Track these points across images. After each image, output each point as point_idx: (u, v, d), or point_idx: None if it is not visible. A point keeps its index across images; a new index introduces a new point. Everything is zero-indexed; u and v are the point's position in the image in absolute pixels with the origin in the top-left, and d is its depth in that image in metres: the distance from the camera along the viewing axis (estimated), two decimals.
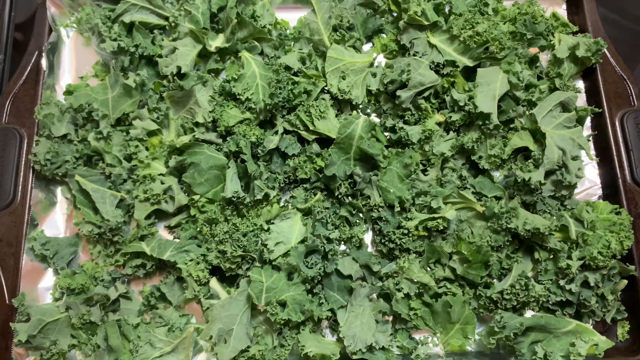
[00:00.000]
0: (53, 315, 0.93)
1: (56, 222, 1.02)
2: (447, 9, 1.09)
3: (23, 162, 1.00)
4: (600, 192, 1.05)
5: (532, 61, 1.08)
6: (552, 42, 1.10)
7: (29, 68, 1.06)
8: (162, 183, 0.98)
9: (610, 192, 1.03)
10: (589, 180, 1.05)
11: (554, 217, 0.99)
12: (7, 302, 0.94)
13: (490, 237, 0.97)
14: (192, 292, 0.94)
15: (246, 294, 0.92)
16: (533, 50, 1.09)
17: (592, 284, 0.93)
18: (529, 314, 0.97)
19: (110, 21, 1.08)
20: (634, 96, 1.06)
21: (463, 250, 0.96)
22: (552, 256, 0.98)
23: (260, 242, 0.95)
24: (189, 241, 0.97)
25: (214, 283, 0.95)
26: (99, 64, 1.11)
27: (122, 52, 1.05)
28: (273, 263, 0.95)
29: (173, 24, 1.09)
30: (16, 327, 0.91)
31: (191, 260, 0.94)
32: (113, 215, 0.96)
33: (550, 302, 0.95)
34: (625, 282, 0.96)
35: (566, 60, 1.07)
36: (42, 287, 0.98)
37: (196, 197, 0.98)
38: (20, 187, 1.00)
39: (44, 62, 1.07)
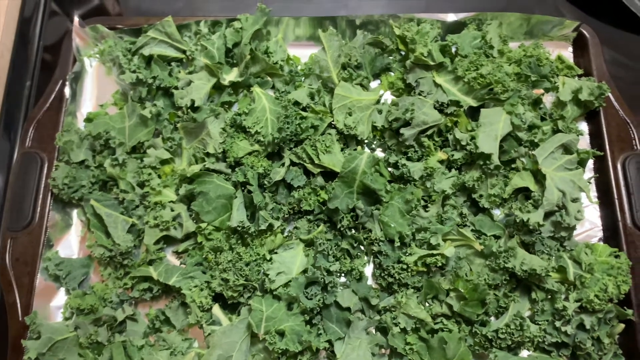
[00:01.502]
0: (62, 334, 0.97)
1: (70, 243, 1.07)
2: (453, 50, 1.12)
3: (43, 186, 1.06)
4: (600, 234, 1.06)
5: (536, 102, 1.10)
6: (556, 84, 1.12)
7: (53, 96, 1.12)
8: (172, 210, 1.02)
9: (611, 234, 1.04)
10: (590, 221, 1.06)
11: (552, 258, 1.01)
12: (20, 319, 0.98)
13: (488, 276, 0.98)
14: (195, 317, 0.97)
15: (246, 322, 0.95)
16: (537, 91, 1.12)
17: (587, 327, 0.94)
18: (524, 353, 0.98)
19: (130, 53, 1.14)
20: (637, 140, 1.07)
21: (460, 287, 0.97)
22: (549, 297, 0.99)
23: (262, 271, 0.98)
24: (195, 267, 1.01)
25: (216, 310, 0.98)
26: (119, 93, 1.16)
27: (140, 83, 1.11)
28: (274, 293, 0.98)
29: (190, 58, 1.15)
30: (27, 345, 0.95)
31: (195, 286, 0.98)
32: (124, 240, 1.00)
33: (546, 343, 0.96)
34: (623, 326, 0.97)
35: (569, 103, 1.09)
36: (54, 306, 1.02)
37: (203, 225, 1.02)
38: (38, 209, 1.05)
39: (67, 91, 1.13)
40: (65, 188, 1.04)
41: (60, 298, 1.03)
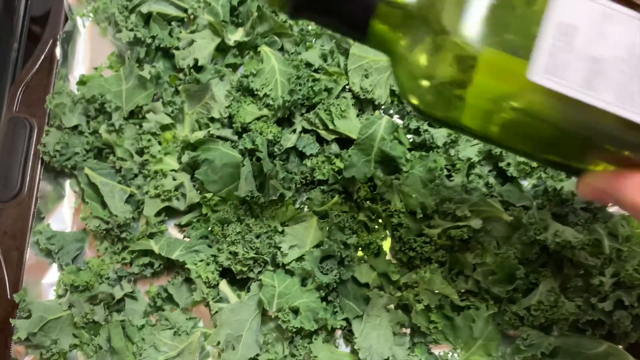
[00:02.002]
0: (55, 312, 0.89)
1: (63, 216, 0.99)
2: None
3: (32, 153, 0.98)
4: None
5: None
6: None
7: (43, 57, 1.03)
8: (174, 179, 0.94)
9: None
10: None
11: (586, 231, 0.93)
12: (9, 297, 0.90)
13: (517, 249, 0.91)
14: (201, 294, 0.89)
15: (257, 298, 0.88)
16: None
17: (626, 304, 0.87)
18: (555, 332, 0.91)
19: (127, 11, 1.04)
20: None
21: (488, 261, 0.90)
22: (583, 272, 0.92)
23: (273, 244, 0.90)
24: (199, 241, 0.93)
25: (223, 286, 0.90)
26: (114, 55, 1.07)
27: (138, 43, 1.02)
28: (286, 267, 0.90)
29: (192, 16, 1.06)
30: (16, 324, 0.87)
31: (201, 260, 0.90)
32: (122, 211, 0.92)
33: (580, 321, 0.89)
34: None
35: None
36: (46, 283, 0.94)
37: (209, 195, 0.94)
38: (27, 178, 0.97)
39: (58, 52, 1.04)
40: (57, 155, 0.95)
41: (53, 274, 0.95)
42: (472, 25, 0.46)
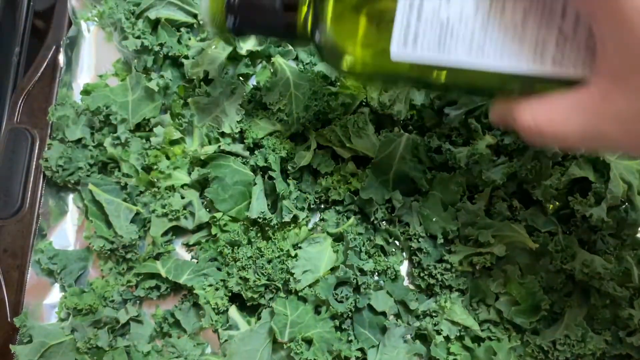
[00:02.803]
0: (57, 337, 0.85)
1: (66, 233, 0.94)
2: None
3: (34, 167, 0.93)
4: None
5: None
6: None
7: (45, 64, 0.98)
8: (183, 197, 0.90)
9: None
10: None
11: (614, 258, 0.89)
12: (9, 319, 0.86)
13: (542, 278, 0.86)
14: (209, 320, 0.85)
15: (268, 326, 0.84)
16: None
17: None
18: None
19: (134, 16, 0.99)
20: None
21: (512, 291, 0.86)
22: (610, 302, 0.87)
23: (286, 269, 0.85)
24: (209, 263, 0.89)
25: (233, 312, 0.86)
26: (120, 62, 1.02)
27: (145, 50, 0.97)
28: (299, 294, 0.86)
29: (202, 23, 1.00)
30: (16, 350, 0.83)
31: (210, 285, 0.86)
32: (127, 231, 0.88)
33: (607, 356, 0.85)
34: None
35: None
36: (47, 305, 0.90)
37: (218, 215, 0.89)
38: (29, 193, 0.92)
39: (61, 58, 0.99)
40: (59, 170, 0.90)
41: (55, 295, 0.91)
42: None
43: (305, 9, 0.58)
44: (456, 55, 0.48)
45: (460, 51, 0.48)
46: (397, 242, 0.93)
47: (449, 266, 0.87)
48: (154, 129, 0.93)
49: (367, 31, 0.54)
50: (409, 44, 0.49)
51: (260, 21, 0.61)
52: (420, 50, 0.49)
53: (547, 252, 0.87)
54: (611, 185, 0.88)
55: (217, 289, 0.86)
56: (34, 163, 0.93)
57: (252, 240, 0.88)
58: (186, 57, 0.98)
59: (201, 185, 0.92)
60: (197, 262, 0.89)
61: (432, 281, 0.88)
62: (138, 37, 0.96)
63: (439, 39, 0.48)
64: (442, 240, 0.88)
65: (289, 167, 0.91)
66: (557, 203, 0.92)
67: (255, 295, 0.85)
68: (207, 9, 0.65)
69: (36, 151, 0.93)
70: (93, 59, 1.03)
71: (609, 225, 0.89)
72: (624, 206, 0.89)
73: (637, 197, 0.88)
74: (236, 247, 0.88)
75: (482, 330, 0.86)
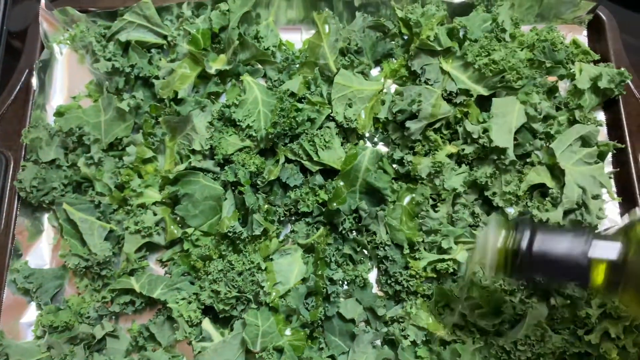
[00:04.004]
0: (34, 355, 0.87)
1: (41, 252, 0.96)
2: (461, 34, 1.02)
3: (8, 188, 0.95)
4: None
5: (551, 91, 1.01)
6: (572, 71, 1.03)
7: (19, 87, 1.01)
8: (155, 214, 0.92)
9: None
10: (611, 219, 0.98)
11: None
12: None
13: (503, 281, 0.90)
14: (183, 333, 0.88)
15: (240, 337, 0.86)
16: (551, 78, 1.03)
17: (612, 336, 0.87)
18: None
19: (105, 39, 1.02)
20: None
21: (474, 295, 0.89)
22: (569, 303, 0.91)
23: (256, 281, 0.88)
24: (181, 278, 0.91)
25: (206, 324, 0.89)
26: (93, 84, 1.05)
27: (116, 72, 1.00)
28: (270, 304, 0.88)
29: (172, 44, 1.04)
30: None
31: (183, 299, 0.88)
32: (101, 249, 0.90)
33: (567, 354, 0.88)
34: None
35: (587, 91, 1.01)
36: (24, 323, 0.92)
37: (189, 231, 0.92)
38: (4, 214, 0.94)
39: (34, 81, 1.02)
40: (33, 191, 0.93)
41: (31, 314, 0.93)
42: None
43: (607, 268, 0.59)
44: None
45: None
46: (365, 251, 0.96)
47: (414, 273, 0.90)
48: (127, 148, 0.96)
49: None
50: None
51: (554, 273, 0.62)
52: None
53: None
54: (566, 191, 0.92)
55: (190, 302, 0.88)
56: (9, 184, 0.95)
57: (224, 253, 0.91)
58: (157, 78, 1.01)
59: (173, 201, 0.94)
60: (171, 277, 0.91)
61: (398, 288, 0.91)
62: (109, 60, 0.99)
63: None
64: (407, 251, 0.91)
65: (259, 182, 0.94)
66: (517, 208, 0.97)
67: (227, 307, 0.87)
68: (494, 259, 0.64)
69: (10, 173, 0.95)
70: (66, 81, 1.06)
71: (568, 228, 0.93)
72: (579, 210, 0.92)
73: (592, 201, 0.92)
74: (208, 261, 0.90)
75: (447, 334, 0.90)
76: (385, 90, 1.02)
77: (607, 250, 0.58)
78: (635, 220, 0.61)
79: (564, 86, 1.05)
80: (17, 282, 0.91)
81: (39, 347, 0.88)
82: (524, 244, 0.60)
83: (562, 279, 0.65)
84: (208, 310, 0.91)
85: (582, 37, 1.09)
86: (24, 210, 0.96)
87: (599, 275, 0.59)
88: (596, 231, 0.84)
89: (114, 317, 0.92)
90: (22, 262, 0.93)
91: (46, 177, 0.93)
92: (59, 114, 1.00)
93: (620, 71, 0.99)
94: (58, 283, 0.94)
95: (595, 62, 1.06)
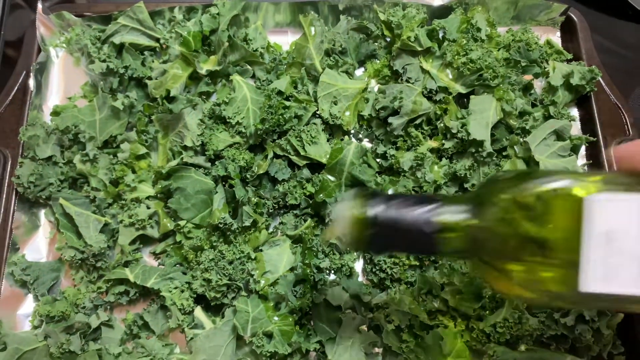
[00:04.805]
0: (31, 344, 0.90)
1: (38, 246, 0.99)
2: (440, 35, 1.08)
3: (6, 184, 0.98)
4: None
5: (526, 88, 1.07)
6: (546, 70, 1.09)
7: (16, 88, 1.04)
8: (148, 208, 0.96)
9: None
10: None
11: None
12: None
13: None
14: (176, 321, 0.91)
15: (231, 324, 0.89)
16: (527, 77, 1.08)
17: (587, 318, 0.91)
18: (522, 347, 0.94)
19: (100, 42, 1.06)
20: (629, 125, 1.05)
21: (455, 281, 0.93)
22: None
23: (246, 270, 0.92)
24: (174, 268, 0.95)
25: (198, 312, 0.92)
26: (88, 85, 1.09)
27: (111, 73, 1.04)
28: (260, 292, 0.92)
29: (164, 46, 1.08)
30: None
31: (175, 288, 0.92)
32: (96, 241, 0.93)
33: (544, 336, 0.93)
34: (622, 316, 0.94)
35: (560, 88, 1.06)
36: (21, 314, 0.95)
37: (182, 223, 0.96)
38: (2, 209, 0.97)
39: (31, 83, 1.06)
40: (31, 186, 0.96)
41: (28, 305, 0.95)
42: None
43: (453, 235, 0.54)
44: None
45: None
46: None
47: (397, 261, 0.94)
48: (121, 145, 0.99)
49: (535, 266, 0.49)
50: (598, 280, 0.46)
51: (403, 244, 0.58)
52: (614, 286, 0.46)
53: None
54: None
55: (182, 291, 0.92)
56: (6, 181, 0.98)
57: (215, 244, 0.94)
58: (149, 78, 1.05)
59: (166, 196, 0.98)
60: (164, 268, 0.95)
61: (383, 275, 0.95)
62: (104, 61, 1.03)
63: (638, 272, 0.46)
64: None
65: (248, 176, 0.98)
66: None
67: (218, 295, 0.91)
68: (347, 232, 0.60)
69: (8, 169, 0.99)
70: (62, 83, 1.10)
71: None
72: None
73: None
74: (199, 252, 0.94)
75: (430, 319, 0.93)
76: (368, 89, 1.07)
77: (453, 215, 0.54)
78: (483, 184, 0.57)
79: (539, 84, 1.11)
80: (15, 275, 0.93)
81: (36, 336, 0.91)
82: (374, 214, 0.55)
83: (412, 250, 0.59)
84: (200, 300, 0.94)
85: (556, 38, 1.15)
86: (21, 206, 0.99)
87: (445, 243, 0.54)
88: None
89: (108, 307, 0.95)
90: (19, 255, 0.96)
91: (43, 173, 0.97)
92: (55, 113, 1.03)
93: (590, 69, 1.05)
94: (54, 275, 0.97)
95: (568, 61, 1.11)
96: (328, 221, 0.97)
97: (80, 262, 0.94)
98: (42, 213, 1.01)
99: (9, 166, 0.99)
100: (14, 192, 0.99)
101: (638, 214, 0.46)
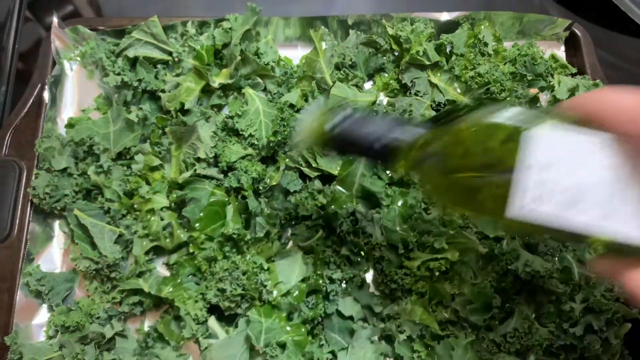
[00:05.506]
0: (46, 354, 0.90)
1: (53, 256, 1.00)
2: (448, 50, 1.10)
3: (22, 195, 0.99)
4: None
5: (533, 101, 1.09)
6: (551, 83, 1.11)
7: (31, 101, 1.06)
8: (162, 219, 0.97)
9: None
10: None
11: (556, 259, 0.99)
12: (0, 339, 0.91)
13: (492, 279, 0.96)
14: (190, 331, 0.92)
15: (245, 334, 0.90)
16: (533, 90, 1.11)
17: (596, 328, 0.92)
18: (532, 357, 0.96)
19: (114, 55, 1.08)
20: None
21: (466, 292, 0.94)
22: (554, 298, 0.97)
23: (259, 281, 0.93)
24: (188, 278, 0.96)
25: (212, 322, 0.93)
26: (102, 97, 1.11)
27: (125, 86, 1.05)
28: (273, 303, 0.93)
29: (177, 60, 1.10)
30: None
31: (189, 298, 0.93)
32: (111, 252, 0.94)
33: (554, 346, 0.94)
34: (629, 325, 0.95)
35: None
36: (36, 324, 0.95)
37: (195, 234, 0.97)
38: (17, 220, 0.98)
39: (46, 95, 1.07)
40: (46, 197, 0.97)
41: (43, 315, 0.96)
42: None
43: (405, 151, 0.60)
44: (579, 220, 0.49)
45: (585, 217, 0.48)
46: (362, 252, 1.01)
47: (408, 272, 0.95)
48: (135, 157, 1.01)
49: (471, 189, 0.54)
50: (526, 206, 0.49)
51: (357, 152, 0.64)
52: (541, 213, 0.49)
53: (495, 256, 0.97)
54: None
55: (196, 301, 0.93)
56: (22, 192, 0.99)
57: (228, 254, 0.95)
58: (163, 91, 1.07)
59: (179, 207, 0.99)
60: (178, 278, 0.96)
61: (394, 286, 0.96)
62: (118, 74, 1.05)
63: (564, 203, 0.48)
64: (402, 251, 0.97)
65: (260, 187, 1.00)
66: None
67: (232, 305, 0.92)
68: (307, 133, 0.66)
69: (24, 181, 1.00)
70: (76, 95, 1.11)
71: None
72: None
73: None
74: (213, 262, 0.95)
75: (441, 329, 0.95)
76: (377, 102, 1.09)
77: (405, 134, 0.59)
78: (440, 113, 0.62)
79: (544, 97, 1.13)
80: (30, 285, 0.94)
81: (51, 346, 0.91)
82: (334, 125, 0.61)
83: (367, 158, 0.64)
84: (213, 310, 0.95)
85: (560, 52, 1.18)
86: (36, 217, 1.01)
87: (395, 157, 0.60)
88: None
89: (122, 317, 0.96)
90: (34, 266, 0.97)
91: (58, 184, 0.98)
92: (70, 125, 1.05)
93: (595, 82, 1.07)
94: (69, 286, 0.97)
95: (573, 75, 1.14)
96: (339, 232, 0.98)
97: (94, 272, 0.95)
98: (57, 224, 1.02)
99: (24, 177, 1.00)
100: (29, 204, 1.00)
101: (571, 151, 0.49)
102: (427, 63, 1.07)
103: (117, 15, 1.27)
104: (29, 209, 1.00)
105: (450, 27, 1.14)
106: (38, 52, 1.11)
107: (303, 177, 1.03)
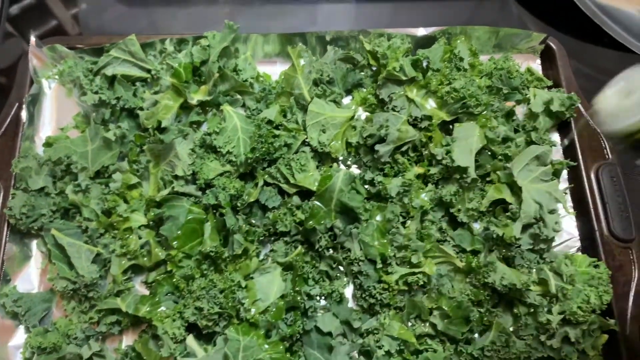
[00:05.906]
0: None
1: (30, 277, 1.00)
2: (424, 65, 1.11)
3: None
4: (578, 244, 1.06)
5: (509, 114, 1.10)
6: (527, 96, 1.13)
7: (9, 120, 1.06)
8: (140, 238, 0.97)
9: (588, 244, 1.04)
10: (567, 232, 1.06)
11: (533, 271, 1.00)
12: None
13: (470, 292, 0.96)
14: (168, 349, 0.91)
15: (223, 352, 0.90)
16: (509, 104, 1.12)
17: (572, 340, 0.93)
18: None
19: (92, 74, 1.08)
20: (608, 149, 1.08)
21: (444, 305, 0.95)
22: (532, 311, 0.97)
23: (237, 299, 0.93)
24: (166, 297, 0.96)
25: (190, 341, 0.92)
26: (80, 116, 1.11)
27: (103, 104, 1.05)
28: (251, 320, 0.93)
29: (155, 77, 1.10)
30: None
31: (167, 317, 0.92)
32: (88, 271, 0.94)
33: (532, 358, 0.94)
34: (606, 337, 0.96)
35: (541, 115, 1.10)
36: (12, 346, 0.95)
37: (173, 252, 0.97)
38: None
39: (23, 114, 1.07)
40: (23, 217, 0.97)
41: (20, 337, 0.95)
42: None
43: None
44: None
45: None
46: (340, 267, 1.01)
47: (386, 286, 0.96)
48: (113, 175, 1.01)
49: None
50: None
51: None
52: None
53: (472, 269, 0.97)
54: (524, 206, 0.99)
55: (174, 320, 0.92)
56: None
57: (205, 272, 0.95)
58: (141, 109, 1.07)
59: (157, 225, 0.99)
60: (155, 297, 0.96)
61: (372, 301, 0.96)
62: (96, 92, 1.05)
63: None
64: (380, 265, 0.97)
65: (239, 204, 1.00)
66: (482, 224, 1.03)
67: (210, 323, 0.91)
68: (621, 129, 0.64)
69: (0, 201, 1.00)
70: (54, 114, 1.11)
71: (526, 241, 1.00)
72: (537, 224, 1.00)
73: (548, 215, 1.00)
74: (191, 281, 0.95)
75: (419, 343, 0.95)
76: (356, 117, 1.10)
77: None
78: None
79: (521, 110, 1.14)
80: (6, 306, 0.94)
81: None
82: None
83: None
84: (192, 328, 0.95)
85: (536, 65, 1.19)
86: (13, 237, 1.00)
87: None
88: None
89: (100, 337, 0.95)
90: (10, 286, 0.97)
91: (35, 204, 0.98)
92: (47, 144, 1.05)
93: (569, 95, 1.09)
94: (46, 306, 0.97)
95: (549, 88, 1.15)
96: (317, 247, 0.98)
97: (72, 292, 0.95)
98: (34, 244, 1.02)
99: (0, 198, 1.00)
100: (6, 224, 0.99)
101: None
102: (404, 78, 1.08)
103: (101, 30, 1.27)
104: (5, 228, 0.99)
105: (427, 41, 1.16)
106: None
107: (282, 193, 1.03)
